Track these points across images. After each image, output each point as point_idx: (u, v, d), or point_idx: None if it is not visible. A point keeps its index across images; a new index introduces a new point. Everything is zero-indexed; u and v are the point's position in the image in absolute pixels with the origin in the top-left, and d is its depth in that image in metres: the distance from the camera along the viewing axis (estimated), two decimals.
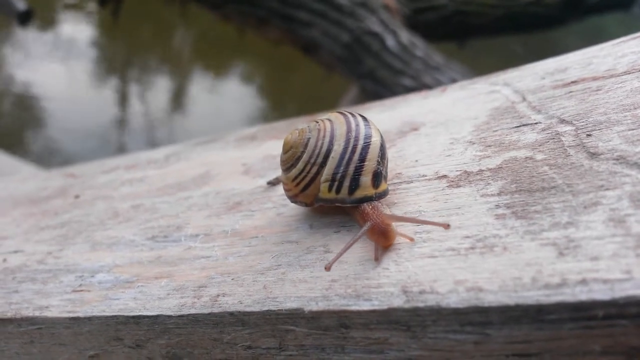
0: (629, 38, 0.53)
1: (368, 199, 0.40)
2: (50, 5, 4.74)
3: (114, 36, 4.57)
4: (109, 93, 4.02)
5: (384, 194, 0.41)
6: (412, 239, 0.36)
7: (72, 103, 3.73)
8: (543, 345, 0.31)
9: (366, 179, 0.40)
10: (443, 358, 0.33)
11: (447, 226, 0.35)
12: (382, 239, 0.37)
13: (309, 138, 0.43)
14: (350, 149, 0.41)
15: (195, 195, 0.55)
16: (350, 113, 0.44)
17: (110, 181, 0.67)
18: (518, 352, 0.32)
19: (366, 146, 0.41)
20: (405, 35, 2.77)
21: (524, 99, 0.48)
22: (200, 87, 4.34)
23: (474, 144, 0.44)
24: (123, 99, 4.01)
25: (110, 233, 0.53)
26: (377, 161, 0.41)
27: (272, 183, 0.51)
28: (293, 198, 0.44)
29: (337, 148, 0.41)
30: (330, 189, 0.41)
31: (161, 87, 4.27)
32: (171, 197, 0.56)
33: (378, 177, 0.41)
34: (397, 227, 0.38)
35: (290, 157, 0.43)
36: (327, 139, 0.42)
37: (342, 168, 0.41)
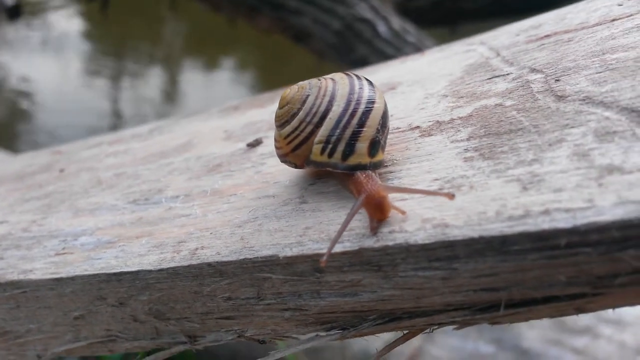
0: None
1: (362, 168, 0.38)
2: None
3: (103, 30, 4.55)
4: (100, 87, 4.01)
5: (379, 164, 0.39)
6: (404, 212, 0.34)
7: (63, 98, 3.72)
8: (509, 278, 0.31)
9: (362, 145, 0.38)
10: (414, 296, 0.34)
11: (451, 196, 0.32)
12: (378, 213, 0.34)
13: (308, 95, 0.40)
14: (350, 111, 0.39)
15: (177, 161, 0.55)
16: (356, 75, 0.42)
17: (94, 155, 0.67)
18: (486, 287, 0.32)
19: (367, 111, 0.39)
20: (397, 21, 2.76)
21: (498, 54, 0.49)
22: (192, 79, 4.33)
23: (447, 96, 0.45)
24: (115, 93, 4.00)
25: (92, 200, 0.54)
26: (377, 129, 0.38)
27: (252, 145, 0.52)
28: (283, 157, 0.42)
29: (336, 109, 0.39)
30: (322, 152, 0.39)
31: (153, 81, 4.25)
32: (153, 165, 0.57)
33: (375, 145, 0.38)
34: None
35: (285, 113, 0.41)
36: (326, 98, 0.40)
37: (338, 131, 0.38)
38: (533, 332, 1.40)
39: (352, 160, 0.38)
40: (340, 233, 0.35)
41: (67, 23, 4.56)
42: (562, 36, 0.47)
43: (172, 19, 4.68)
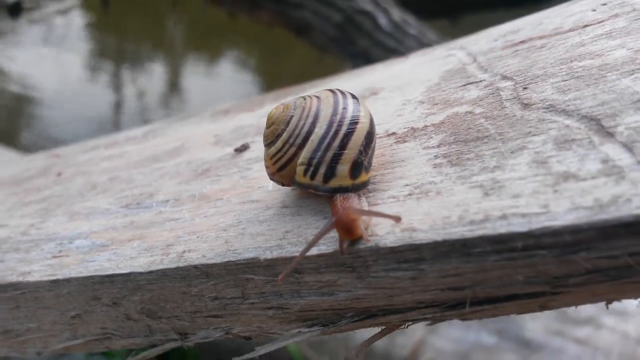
0: None
1: (343, 190, 0.38)
2: None
3: (105, 27, 4.56)
4: (103, 85, 4.03)
5: (362, 185, 0.39)
6: (368, 240, 0.35)
7: (65, 95, 3.74)
8: (472, 277, 0.33)
9: (344, 168, 0.38)
10: (386, 295, 0.36)
11: (398, 219, 0.34)
12: (347, 235, 0.35)
13: (292, 116, 0.41)
14: (331, 133, 0.39)
15: (168, 165, 0.58)
16: (341, 92, 0.42)
17: (90, 159, 0.70)
18: (452, 286, 0.34)
19: (349, 133, 0.38)
20: (397, 13, 2.75)
21: (475, 60, 0.51)
22: (194, 73, 4.34)
23: (423, 103, 0.47)
24: (118, 91, 4.02)
25: (87, 204, 0.56)
26: (360, 150, 0.38)
27: (239, 150, 0.54)
28: (271, 175, 0.43)
29: (318, 131, 0.39)
30: (305, 174, 0.39)
31: (155, 77, 4.27)
32: (146, 169, 0.59)
33: (358, 167, 0.38)
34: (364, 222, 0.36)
35: (271, 134, 0.41)
36: (309, 120, 0.40)
37: (319, 153, 0.38)
38: (535, 322, 1.40)
39: (333, 183, 0.38)
40: (303, 253, 0.36)
41: (69, 19, 4.58)
42: (535, 42, 0.49)
43: (174, 12, 4.68)
